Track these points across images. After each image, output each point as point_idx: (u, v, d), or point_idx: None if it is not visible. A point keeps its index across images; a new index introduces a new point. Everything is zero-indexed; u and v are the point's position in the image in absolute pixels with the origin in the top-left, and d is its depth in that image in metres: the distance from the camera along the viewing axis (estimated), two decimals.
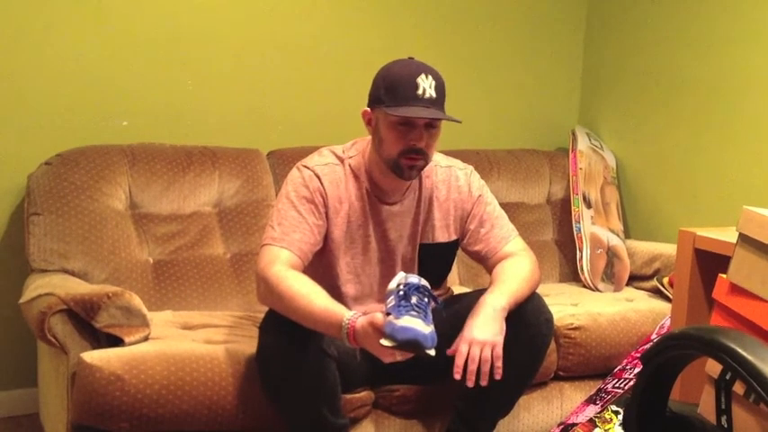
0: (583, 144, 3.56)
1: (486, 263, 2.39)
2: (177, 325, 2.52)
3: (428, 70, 2.19)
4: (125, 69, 3.01)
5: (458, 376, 2.07)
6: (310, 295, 2.06)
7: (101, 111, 2.99)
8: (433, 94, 2.16)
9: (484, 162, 3.40)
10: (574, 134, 3.60)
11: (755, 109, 3.06)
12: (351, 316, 2.00)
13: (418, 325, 1.88)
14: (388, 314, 1.94)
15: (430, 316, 1.95)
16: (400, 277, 2.05)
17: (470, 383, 2.07)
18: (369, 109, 2.25)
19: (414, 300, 1.93)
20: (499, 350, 2.09)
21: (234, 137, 3.13)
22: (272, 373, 2.14)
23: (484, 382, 2.07)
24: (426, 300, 1.97)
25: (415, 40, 3.46)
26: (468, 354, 2.07)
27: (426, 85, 2.15)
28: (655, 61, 3.51)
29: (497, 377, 2.08)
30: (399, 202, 2.33)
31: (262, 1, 3.22)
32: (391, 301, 1.96)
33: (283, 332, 2.09)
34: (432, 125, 2.20)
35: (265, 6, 3.23)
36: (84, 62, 2.95)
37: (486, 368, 2.07)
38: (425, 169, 2.35)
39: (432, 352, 1.90)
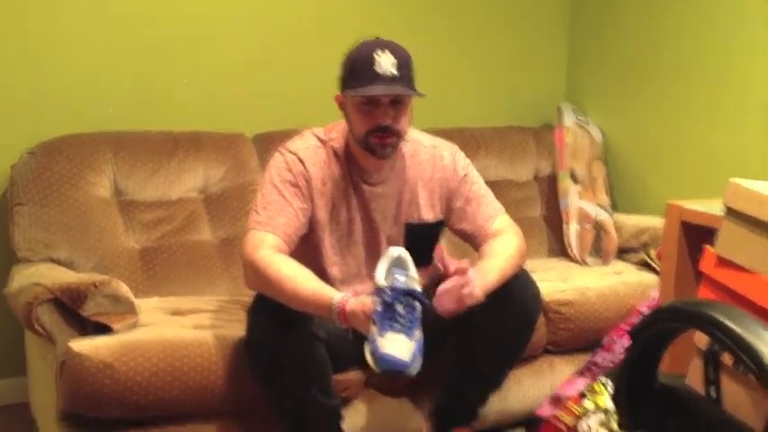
0: (569, 120, 3.55)
1: (473, 241, 2.39)
2: (165, 311, 2.51)
3: (388, 47, 2.17)
4: (107, 57, 2.99)
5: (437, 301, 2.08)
6: (298, 278, 2.06)
7: (83, 98, 2.96)
8: (394, 71, 2.14)
9: (470, 140, 3.39)
10: (560, 110, 3.59)
11: (740, 82, 3.06)
12: (340, 298, 2.00)
13: (399, 348, 1.87)
14: (373, 320, 1.92)
15: (417, 322, 1.94)
16: (388, 256, 2.04)
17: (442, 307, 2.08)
18: (339, 93, 2.24)
19: (399, 308, 1.91)
20: (470, 302, 2.08)
21: (218, 121, 3.11)
22: (261, 357, 2.13)
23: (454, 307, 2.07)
24: (414, 305, 1.94)
25: (399, 18, 3.44)
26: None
27: (385, 63, 2.14)
28: (640, 36, 3.50)
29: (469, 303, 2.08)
30: (383, 182, 2.33)
31: None
32: (378, 303, 1.93)
33: (272, 315, 2.09)
34: (397, 101, 2.18)
35: None
36: (65, 50, 2.92)
37: (458, 294, 2.07)
38: (409, 149, 2.35)
39: (418, 367, 1.91)
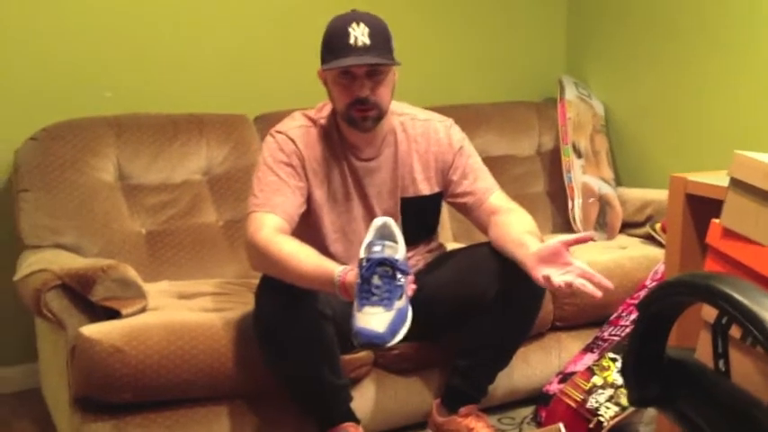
0: (570, 93, 3.54)
1: (471, 214, 2.39)
2: (173, 295, 2.52)
3: (362, 18, 2.18)
4: (106, 40, 2.98)
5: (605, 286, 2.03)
6: (300, 255, 2.07)
7: (84, 83, 2.95)
8: (367, 41, 2.15)
9: (472, 116, 3.38)
10: (561, 84, 3.58)
11: (743, 53, 3.04)
12: (341, 270, 2.01)
13: (375, 321, 1.87)
14: (355, 294, 1.93)
15: (397, 292, 1.93)
16: (373, 226, 2.05)
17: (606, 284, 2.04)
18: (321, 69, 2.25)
19: (375, 280, 1.91)
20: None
21: (219, 103, 3.10)
22: (270, 337, 2.15)
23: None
24: (391, 274, 1.93)
25: None
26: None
27: (358, 34, 2.15)
28: (640, 8, 3.48)
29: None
30: (375, 157, 2.34)
31: None
32: (357, 276, 1.94)
33: (278, 295, 2.10)
34: (375, 72, 2.19)
35: None
36: (64, 34, 2.91)
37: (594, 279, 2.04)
38: (403, 123, 2.36)
39: (396, 339, 1.91)
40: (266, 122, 3.02)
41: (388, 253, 1.95)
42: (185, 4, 3.10)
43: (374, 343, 1.89)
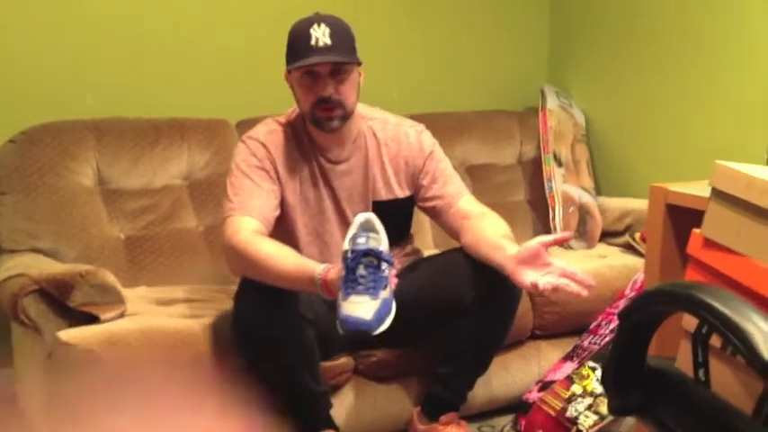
0: (552, 103, 3.56)
1: (440, 218, 2.41)
2: (152, 301, 2.51)
3: (324, 20, 2.22)
4: (88, 44, 2.96)
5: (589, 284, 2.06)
6: (280, 255, 2.08)
7: (65, 87, 2.93)
8: (328, 42, 2.19)
9: (453, 124, 3.39)
10: (543, 93, 3.59)
11: (724, 64, 3.07)
12: (323, 268, 2.01)
13: (361, 308, 1.89)
14: (340, 286, 1.94)
15: (382, 282, 1.94)
16: (356, 222, 2.05)
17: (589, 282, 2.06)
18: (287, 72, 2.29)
19: (360, 270, 1.92)
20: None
21: (200, 108, 3.09)
22: (249, 339, 2.15)
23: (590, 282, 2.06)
24: (376, 264, 1.95)
25: (379, 4, 3.43)
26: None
27: (319, 35, 2.19)
28: (622, 18, 3.51)
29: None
30: (346, 160, 2.36)
31: None
32: (343, 269, 1.95)
33: (258, 297, 2.11)
34: (338, 71, 2.21)
35: None
36: (44, 37, 2.89)
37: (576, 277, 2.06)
38: (372, 127, 2.38)
39: (383, 328, 1.92)
40: (248, 128, 2.97)
41: (372, 244, 1.97)
42: (168, 10, 3.08)
43: (361, 330, 1.89)
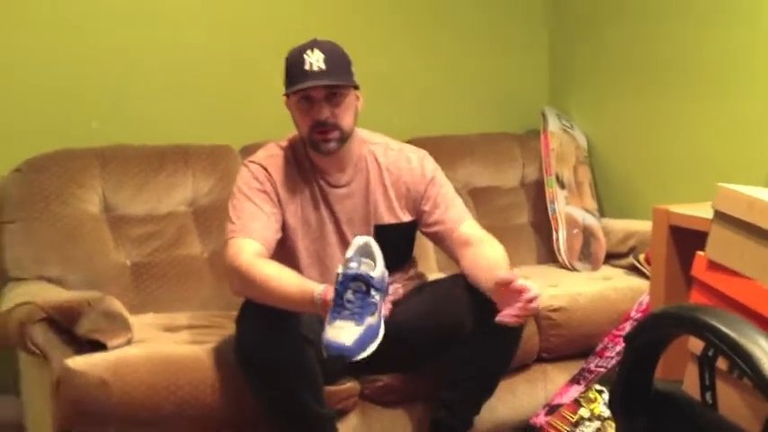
0: (553, 125, 3.57)
1: (442, 243, 2.42)
2: (159, 327, 2.51)
3: (316, 45, 2.27)
4: (92, 71, 2.98)
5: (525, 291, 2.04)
6: (281, 276, 2.10)
7: (70, 114, 2.95)
8: (322, 66, 2.23)
9: (456, 147, 3.40)
10: (544, 115, 3.61)
11: (727, 86, 3.07)
12: (322, 289, 2.03)
13: (344, 334, 1.90)
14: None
15: (370, 308, 1.95)
16: (354, 245, 2.07)
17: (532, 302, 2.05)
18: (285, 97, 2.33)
19: (348, 295, 1.94)
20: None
21: (204, 134, 3.10)
22: (252, 362, 2.14)
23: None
24: (364, 290, 1.95)
25: (382, 29, 3.47)
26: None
27: (313, 60, 2.24)
28: (623, 40, 3.52)
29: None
30: (347, 184, 2.38)
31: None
32: (332, 291, 1.97)
33: (260, 319, 2.12)
34: (334, 95, 2.25)
35: (229, 1, 3.21)
36: (50, 66, 2.92)
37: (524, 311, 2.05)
38: (374, 152, 2.41)
39: (364, 354, 1.92)
40: (251, 153, 2.98)
41: (363, 269, 1.97)
42: (172, 38, 3.11)
43: (341, 354, 1.90)
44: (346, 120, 2.28)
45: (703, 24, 3.15)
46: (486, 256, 2.29)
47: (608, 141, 3.64)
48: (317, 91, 2.23)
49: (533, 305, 2.05)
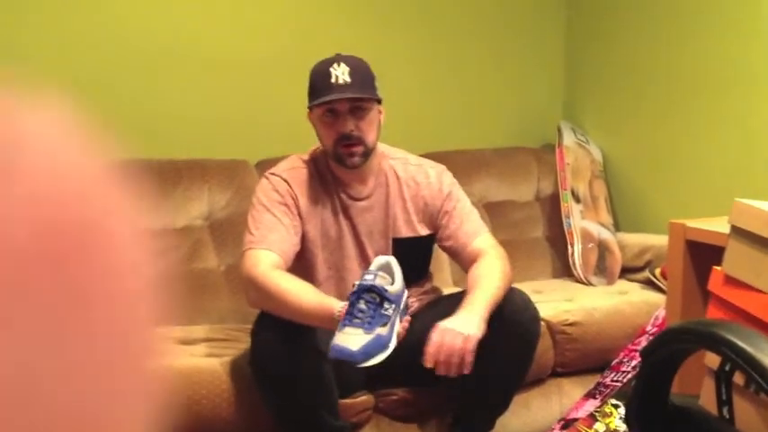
0: (568, 139, 3.58)
1: (457, 258, 2.44)
2: (175, 341, 2.52)
3: (342, 59, 2.28)
4: (108, 86, 3.00)
5: (428, 364, 2.08)
6: (300, 291, 2.10)
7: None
8: (347, 79, 2.23)
9: (471, 162, 3.41)
10: (559, 129, 3.61)
11: (741, 100, 3.08)
12: (342, 306, 2.03)
13: (351, 340, 1.92)
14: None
15: (381, 319, 1.97)
16: (375, 263, 2.10)
17: (440, 372, 2.09)
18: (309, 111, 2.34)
19: (360, 305, 1.97)
20: (471, 345, 2.08)
21: (220, 149, 3.12)
22: (267, 374, 2.15)
23: (452, 373, 2.08)
24: (378, 301, 1.98)
25: (399, 45, 3.48)
26: (441, 344, 2.08)
27: (339, 73, 2.24)
28: (638, 53, 3.53)
29: (465, 371, 2.09)
30: (367, 197, 2.39)
31: (243, 11, 3.22)
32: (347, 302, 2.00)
33: (275, 331, 2.12)
34: (358, 109, 2.26)
35: (247, 16, 3.23)
36: (65, 80, 2.94)
37: (454, 359, 2.07)
38: (393, 166, 2.41)
39: (370, 362, 1.95)
40: (267, 168, 3.01)
41: (378, 282, 2.00)
42: (187, 51, 3.13)
43: (345, 359, 1.93)
44: (371, 135, 2.29)
45: (719, 40, 3.15)
46: (473, 273, 2.30)
47: (623, 155, 3.64)
48: (342, 104, 2.24)
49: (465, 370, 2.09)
